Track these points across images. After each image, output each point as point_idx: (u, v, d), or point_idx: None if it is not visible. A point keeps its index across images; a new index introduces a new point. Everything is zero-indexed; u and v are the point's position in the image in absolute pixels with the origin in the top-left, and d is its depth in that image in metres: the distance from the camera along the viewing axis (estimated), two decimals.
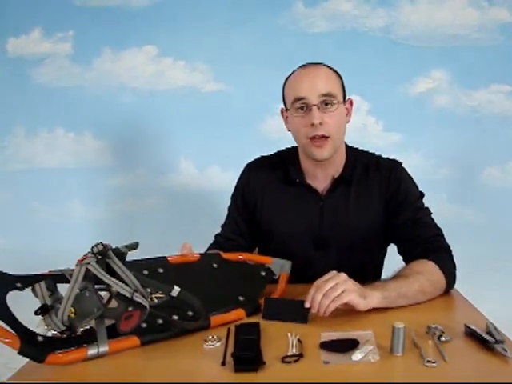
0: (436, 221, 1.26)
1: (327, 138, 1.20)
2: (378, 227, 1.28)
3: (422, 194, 1.30)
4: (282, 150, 1.40)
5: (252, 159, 1.42)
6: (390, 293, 1.02)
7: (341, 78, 1.27)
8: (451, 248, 1.21)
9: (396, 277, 1.10)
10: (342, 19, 2.06)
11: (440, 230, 1.24)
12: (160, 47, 2.15)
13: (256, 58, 2.09)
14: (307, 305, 0.96)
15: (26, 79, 2.18)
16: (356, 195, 1.28)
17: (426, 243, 1.19)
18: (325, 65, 1.26)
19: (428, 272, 1.10)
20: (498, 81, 2.05)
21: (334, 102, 1.20)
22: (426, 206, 1.28)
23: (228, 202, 1.42)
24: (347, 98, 1.27)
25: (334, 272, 0.99)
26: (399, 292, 1.03)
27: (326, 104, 1.19)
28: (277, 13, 2.08)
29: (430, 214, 1.27)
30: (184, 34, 2.12)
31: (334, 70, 1.26)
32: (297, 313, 0.98)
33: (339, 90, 1.24)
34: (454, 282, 1.17)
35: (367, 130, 2.09)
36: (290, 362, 0.81)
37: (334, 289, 0.95)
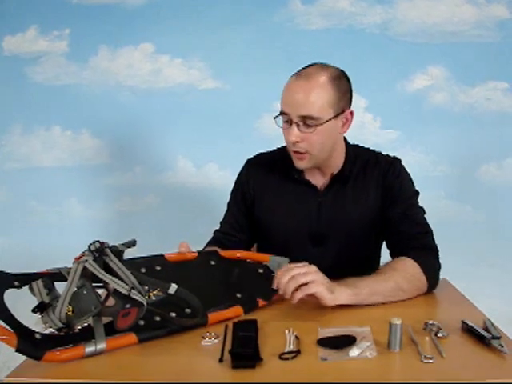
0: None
1: (305, 152, 1.19)
2: (375, 222, 1.28)
3: (417, 192, 1.29)
4: (282, 147, 1.39)
5: (249, 156, 1.42)
6: (360, 290, 1.02)
7: (340, 89, 1.16)
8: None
9: (373, 274, 1.09)
10: (339, 16, 2.06)
11: (429, 228, 1.23)
12: (157, 45, 2.14)
13: (253, 55, 2.09)
14: (275, 286, 0.98)
15: (23, 77, 2.17)
16: (354, 191, 1.28)
17: (411, 239, 1.19)
18: (327, 69, 1.16)
19: (404, 269, 1.09)
20: (496, 78, 2.05)
21: (314, 123, 1.13)
22: (420, 205, 1.27)
23: (226, 199, 1.42)
24: (349, 108, 1.20)
25: (307, 263, 1.01)
26: (372, 288, 1.03)
27: (307, 124, 1.15)
28: (274, 10, 2.08)
29: (424, 213, 1.26)
30: (181, 32, 2.11)
31: (333, 80, 1.14)
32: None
33: (328, 107, 1.14)
34: (437, 282, 1.15)
35: (365, 127, 2.09)
36: (287, 359, 0.81)
37: (303, 275, 0.96)
